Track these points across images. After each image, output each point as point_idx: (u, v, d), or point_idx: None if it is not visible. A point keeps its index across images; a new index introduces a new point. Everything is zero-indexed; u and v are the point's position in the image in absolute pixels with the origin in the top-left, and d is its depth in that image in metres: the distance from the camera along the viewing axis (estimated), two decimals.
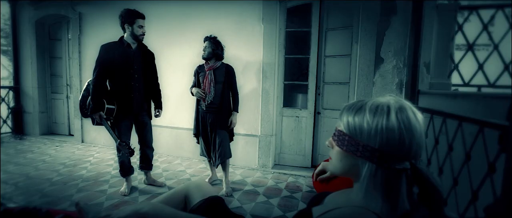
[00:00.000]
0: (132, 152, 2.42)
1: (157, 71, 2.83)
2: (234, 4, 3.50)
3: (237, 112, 2.80)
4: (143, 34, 2.53)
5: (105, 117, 2.43)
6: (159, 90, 2.83)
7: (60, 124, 5.11)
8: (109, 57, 2.43)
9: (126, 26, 2.47)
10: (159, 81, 2.83)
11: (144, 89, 2.63)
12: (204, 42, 2.70)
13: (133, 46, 2.54)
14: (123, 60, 2.47)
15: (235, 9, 3.51)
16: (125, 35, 2.52)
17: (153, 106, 2.82)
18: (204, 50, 2.68)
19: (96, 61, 2.44)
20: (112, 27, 4.15)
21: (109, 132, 2.43)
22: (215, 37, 2.71)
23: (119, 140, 2.41)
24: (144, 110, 2.68)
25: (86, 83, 2.69)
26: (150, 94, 2.74)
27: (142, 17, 2.51)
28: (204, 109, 2.71)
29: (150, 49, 2.73)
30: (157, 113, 2.80)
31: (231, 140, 2.85)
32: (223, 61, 2.78)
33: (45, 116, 5.13)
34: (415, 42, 2.53)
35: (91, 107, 2.41)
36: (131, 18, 2.45)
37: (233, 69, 2.78)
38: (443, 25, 2.97)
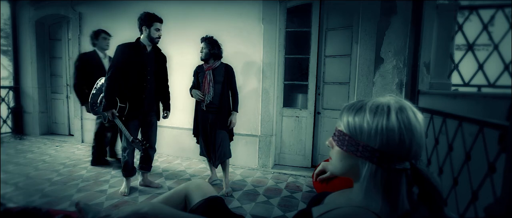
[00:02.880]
0: (145, 149, 2.46)
1: None
2: (234, 4, 3.50)
3: (237, 112, 2.81)
4: (159, 37, 2.59)
5: (117, 114, 2.48)
6: (169, 93, 2.89)
7: (60, 124, 5.11)
8: (125, 57, 2.48)
9: (144, 28, 2.52)
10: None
11: (155, 90, 2.68)
12: (201, 43, 2.70)
13: (148, 48, 2.59)
14: (138, 62, 2.53)
15: (235, 9, 3.51)
16: (141, 37, 2.57)
17: (161, 107, 2.86)
18: (201, 52, 2.69)
19: (112, 60, 2.51)
20: (112, 27, 4.15)
21: (122, 129, 2.47)
22: (211, 37, 2.71)
23: (132, 137, 2.45)
24: (153, 111, 2.72)
25: (97, 82, 2.75)
26: (160, 96, 2.79)
27: (160, 21, 2.57)
28: (204, 109, 2.71)
29: (164, 53, 2.78)
30: (165, 115, 2.85)
31: (231, 139, 2.85)
32: (222, 61, 2.78)
33: (45, 116, 5.13)
34: (415, 42, 2.53)
35: (104, 105, 2.45)
36: (149, 21, 2.51)
37: (232, 69, 2.78)
38: (443, 25, 2.97)
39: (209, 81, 2.67)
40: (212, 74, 2.68)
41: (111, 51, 2.94)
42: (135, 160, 2.79)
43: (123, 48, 2.51)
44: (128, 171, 2.64)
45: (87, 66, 3.23)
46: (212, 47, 2.66)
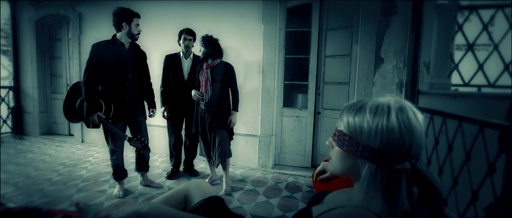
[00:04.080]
0: (145, 146, 2.37)
1: (157, 71, 2.81)
2: (234, 4, 3.50)
3: (237, 111, 2.78)
4: (139, 33, 2.50)
5: (104, 116, 2.37)
6: (152, 90, 2.80)
7: (60, 124, 5.11)
8: (102, 56, 2.36)
9: (124, 24, 2.41)
10: (152, 80, 2.80)
11: (137, 89, 2.58)
12: (200, 42, 2.68)
13: (127, 45, 2.49)
14: (117, 60, 2.41)
15: (235, 9, 3.51)
16: (118, 34, 2.46)
17: (147, 106, 2.78)
18: (200, 51, 2.68)
19: (88, 61, 2.35)
20: (112, 27, 4.15)
21: (113, 130, 2.36)
22: (209, 37, 2.67)
23: (128, 136, 2.36)
24: (139, 110, 2.63)
25: (71, 86, 2.58)
26: (144, 94, 2.70)
27: (139, 16, 2.49)
28: (203, 109, 2.70)
29: (143, 49, 2.69)
30: (151, 113, 2.77)
31: (231, 139, 2.84)
32: (222, 60, 2.76)
33: (45, 116, 5.13)
34: (415, 42, 2.53)
35: (87, 109, 2.31)
36: (129, 17, 2.41)
37: (232, 67, 2.74)
38: (443, 25, 2.97)
39: (207, 80, 2.64)
40: (210, 73, 2.65)
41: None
42: (133, 160, 2.79)
43: (99, 47, 2.37)
44: (118, 174, 2.57)
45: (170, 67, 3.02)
46: (208, 46, 2.62)
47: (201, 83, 2.69)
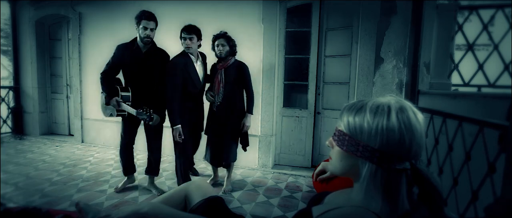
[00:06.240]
0: (151, 119, 2.30)
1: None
2: (234, 4, 3.50)
3: (252, 114, 2.64)
4: (148, 37, 2.38)
5: (121, 100, 2.40)
6: (160, 96, 2.71)
7: (60, 124, 5.11)
8: (120, 58, 2.44)
9: (135, 27, 2.42)
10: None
11: (150, 93, 2.53)
12: (216, 40, 2.57)
13: (143, 48, 2.45)
14: (132, 63, 2.43)
15: (235, 9, 3.51)
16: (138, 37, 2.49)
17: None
18: (220, 50, 2.53)
19: (111, 58, 2.49)
20: (112, 27, 4.16)
21: (129, 110, 2.38)
22: (225, 33, 2.60)
23: (136, 110, 2.32)
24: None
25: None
26: (158, 99, 2.61)
27: (149, 18, 2.36)
28: (215, 110, 2.63)
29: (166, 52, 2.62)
30: (152, 116, 2.72)
31: (246, 145, 2.73)
32: (236, 58, 2.68)
33: (45, 116, 5.13)
34: (415, 42, 2.54)
35: (106, 97, 2.42)
36: (138, 19, 2.39)
37: (246, 66, 2.62)
38: (443, 25, 2.97)
39: (220, 81, 2.56)
40: (224, 74, 2.56)
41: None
42: (142, 161, 2.79)
43: (118, 49, 2.47)
44: (127, 169, 2.67)
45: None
46: (231, 43, 2.55)
47: (214, 84, 2.60)
